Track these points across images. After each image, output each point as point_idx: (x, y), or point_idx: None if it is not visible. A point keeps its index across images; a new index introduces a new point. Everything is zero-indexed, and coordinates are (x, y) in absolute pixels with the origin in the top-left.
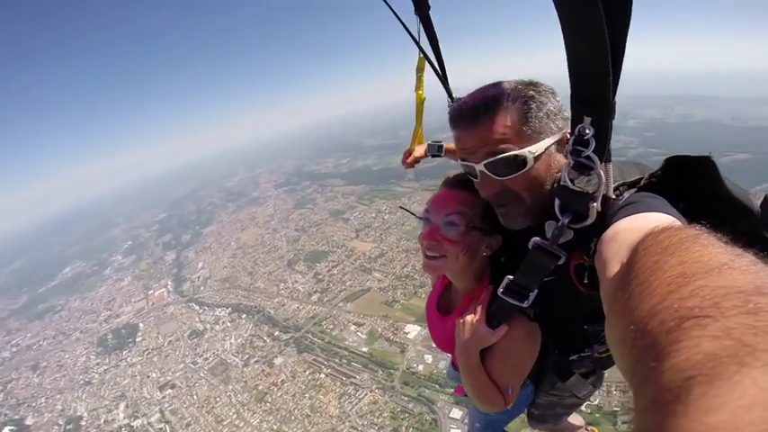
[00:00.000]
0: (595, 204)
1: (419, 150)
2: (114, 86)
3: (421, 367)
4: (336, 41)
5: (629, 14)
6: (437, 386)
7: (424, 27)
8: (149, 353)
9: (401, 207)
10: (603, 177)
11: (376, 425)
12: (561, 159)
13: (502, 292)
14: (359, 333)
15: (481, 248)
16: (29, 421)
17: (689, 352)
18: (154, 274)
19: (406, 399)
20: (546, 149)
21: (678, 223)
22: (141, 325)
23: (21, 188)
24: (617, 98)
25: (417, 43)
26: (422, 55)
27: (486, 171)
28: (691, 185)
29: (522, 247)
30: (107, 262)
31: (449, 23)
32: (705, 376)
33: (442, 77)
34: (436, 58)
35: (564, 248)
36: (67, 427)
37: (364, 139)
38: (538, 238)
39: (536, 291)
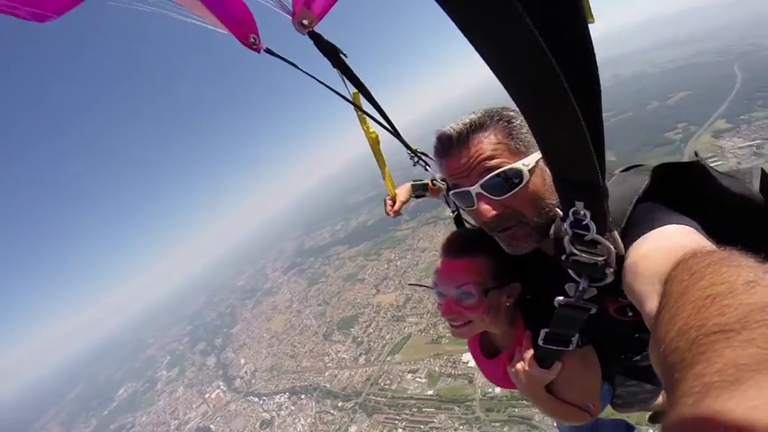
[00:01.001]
0: (611, 269)
1: (402, 194)
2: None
3: (498, 390)
4: (282, 117)
5: (597, 78)
6: (524, 401)
7: (347, 77)
8: None
9: (411, 284)
10: (613, 248)
11: None
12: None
13: (543, 343)
14: (417, 379)
15: (502, 301)
16: None
17: (710, 361)
18: (203, 380)
19: (497, 424)
20: (537, 163)
21: (704, 249)
22: (212, 426)
23: (53, 326)
24: None
25: (346, 98)
26: (354, 92)
27: (483, 192)
28: (685, 191)
29: (541, 278)
30: (155, 378)
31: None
32: (724, 382)
33: (386, 121)
34: (371, 103)
35: (593, 300)
36: None
37: (348, 197)
38: (562, 298)
39: (577, 335)
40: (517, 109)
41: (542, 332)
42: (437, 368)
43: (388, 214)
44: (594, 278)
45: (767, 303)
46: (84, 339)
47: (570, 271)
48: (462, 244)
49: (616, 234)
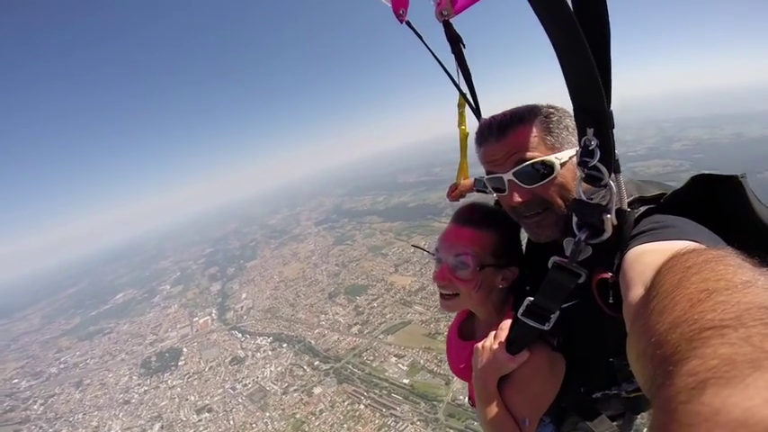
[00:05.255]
0: (609, 216)
1: (466, 184)
2: (161, 128)
3: (467, 400)
4: (370, 82)
5: (608, 27)
6: None
7: (458, 65)
8: (190, 376)
9: (414, 245)
10: (614, 187)
11: None
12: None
13: (522, 314)
14: (399, 365)
15: (496, 282)
16: None
17: (706, 357)
18: (199, 303)
19: (451, 431)
20: (570, 159)
21: (701, 246)
22: (185, 349)
23: (83, 219)
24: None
25: (456, 85)
26: (460, 97)
27: (515, 180)
28: (716, 206)
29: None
30: (156, 290)
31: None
32: (720, 378)
33: (477, 113)
34: (471, 94)
35: (584, 266)
36: None
37: (399, 176)
38: (557, 257)
39: (558, 313)
40: (558, 107)
41: (525, 302)
42: (422, 361)
43: (447, 197)
44: (593, 228)
45: (762, 303)
46: (112, 237)
47: (573, 218)
48: (473, 214)
49: (620, 178)
